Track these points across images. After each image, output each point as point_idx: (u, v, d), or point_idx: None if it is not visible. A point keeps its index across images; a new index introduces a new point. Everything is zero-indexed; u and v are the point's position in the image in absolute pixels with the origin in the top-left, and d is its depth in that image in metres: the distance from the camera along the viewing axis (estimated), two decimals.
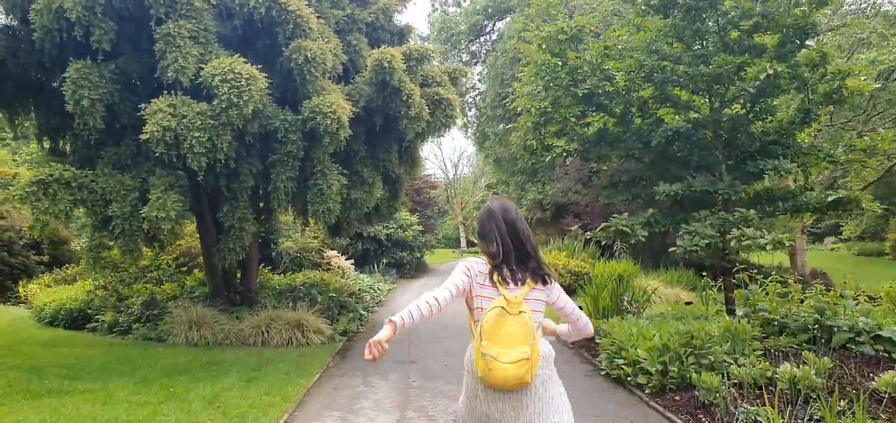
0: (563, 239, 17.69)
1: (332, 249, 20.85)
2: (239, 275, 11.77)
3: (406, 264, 25.63)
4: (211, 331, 9.73)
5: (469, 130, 36.82)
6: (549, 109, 8.76)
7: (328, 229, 12.81)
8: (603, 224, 7.96)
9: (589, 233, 17.19)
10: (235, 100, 7.95)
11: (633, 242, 8.03)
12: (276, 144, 9.00)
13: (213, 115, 8.06)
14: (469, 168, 66.10)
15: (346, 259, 20.83)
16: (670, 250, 18.11)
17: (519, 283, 2.45)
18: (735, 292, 9.08)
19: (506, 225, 2.51)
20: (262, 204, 11.14)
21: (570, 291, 14.04)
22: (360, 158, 10.24)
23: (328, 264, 19.38)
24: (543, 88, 8.54)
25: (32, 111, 9.50)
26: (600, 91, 8.00)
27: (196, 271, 13.35)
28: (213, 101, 8.04)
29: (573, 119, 9.05)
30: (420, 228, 27.64)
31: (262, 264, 14.79)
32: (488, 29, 31.05)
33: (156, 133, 7.68)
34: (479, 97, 33.49)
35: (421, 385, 6.99)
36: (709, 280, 16.31)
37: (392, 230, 24.87)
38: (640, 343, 6.81)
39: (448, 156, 73.26)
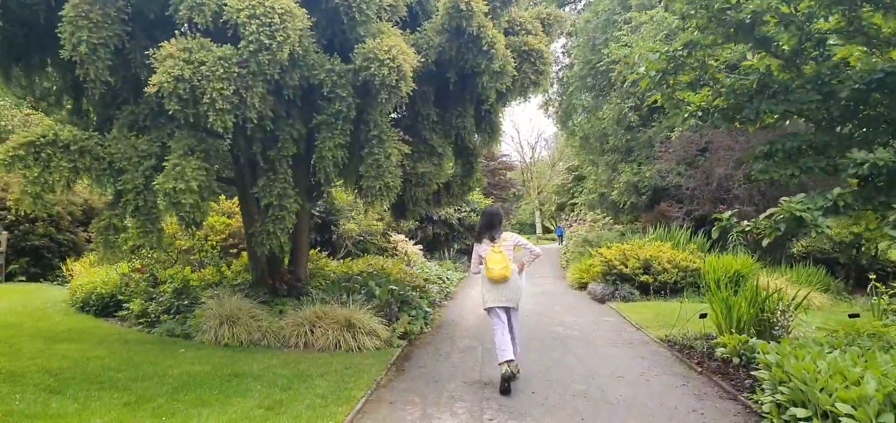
0: (663, 227, 15.05)
1: (398, 233, 19.22)
2: (287, 261, 10.19)
3: None
4: (246, 329, 8.13)
5: (550, 108, 34.14)
6: (680, 53, 6.36)
7: (391, 209, 10.99)
8: (769, 212, 5.53)
9: (684, 221, 14.47)
10: (267, 41, 6.19)
11: (814, 234, 5.57)
12: (322, 102, 7.19)
13: (240, 61, 6.33)
14: (547, 151, 63.26)
15: (414, 244, 19.16)
16: (765, 243, 15.04)
17: (495, 240, 6.03)
18: None
19: (487, 217, 6.24)
20: (313, 179, 9.44)
21: (677, 291, 11.51)
22: (429, 122, 8.27)
23: (394, 249, 17.74)
24: (680, 19, 6.15)
25: (50, 65, 8.19)
26: (769, 17, 5.54)
27: (245, 253, 11.93)
28: (240, 44, 6.31)
29: (714, 63, 6.59)
30: None
31: (319, 249, 13.25)
32: None
33: (166, 85, 6.04)
34: (561, 72, 30.78)
35: None
36: (841, 282, 13.29)
37: (465, 214, 22.96)
38: (839, 388, 4.43)
39: (526, 138, 70.56)
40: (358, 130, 7.40)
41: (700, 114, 6.75)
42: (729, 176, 13.34)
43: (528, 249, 6.16)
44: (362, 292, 9.52)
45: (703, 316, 7.67)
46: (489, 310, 6.05)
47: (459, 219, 22.73)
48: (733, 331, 6.99)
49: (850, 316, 7.03)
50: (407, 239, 18.75)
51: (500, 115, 9.33)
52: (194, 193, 6.59)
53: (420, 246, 18.91)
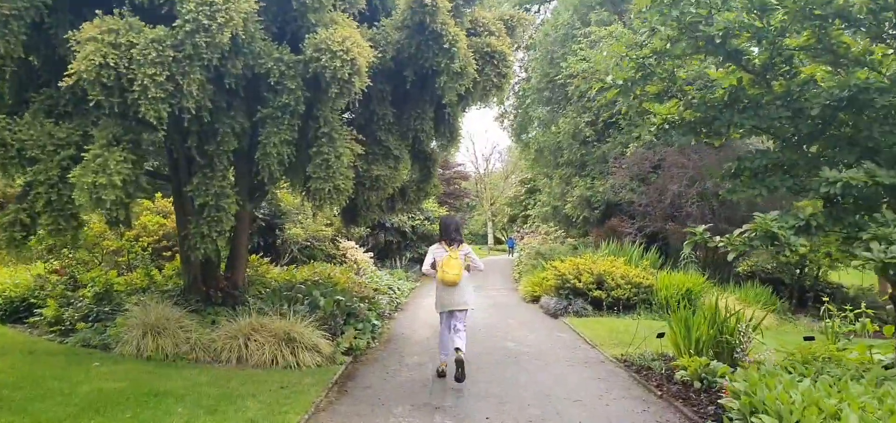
0: (616, 242, 15.02)
1: (348, 239, 18.54)
2: (224, 266, 9.44)
3: None
4: (173, 340, 7.38)
5: (505, 120, 34.18)
6: (649, 61, 6.12)
7: (342, 214, 10.41)
8: (743, 228, 5.30)
9: (633, 236, 14.49)
10: (207, 22, 5.60)
11: (783, 255, 5.40)
12: (268, 94, 6.58)
13: (176, 44, 5.69)
14: (501, 163, 63.55)
15: (365, 252, 18.51)
16: (730, 258, 15.28)
17: (453, 245, 6.49)
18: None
19: (447, 224, 6.75)
20: (256, 178, 8.76)
21: (630, 307, 11.38)
22: (385, 123, 7.77)
23: (343, 256, 17.06)
24: (649, 30, 5.91)
25: None
26: (739, 32, 5.34)
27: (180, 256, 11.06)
28: (175, 23, 5.67)
29: (683, 75, 6.38)
30: None
31: (262, 254, 12.49)
32: (534, 10, 28.35)
33: (87, 72, 5.35)
34: (518, 85, 30.85)
35: None
36: (785, 301, 13.55)
37: (418, 222, 22.47)
38: (816, 421, 4.19)
39: (480, 150, 70.84)
40: (307, 126, 6.83)
41: (666, 126, 6.52)
42: (682, 194, 13.41)
43: (475, 262, 6.69)
44: (306, 302, 8.88)
45: (660, 336, 7.45)
46: (441, 313, 6.68)
47: (413, 227, 22.23)
48: (692, 352, 6.79)
49: (806, 339, 6.94)
50: (357, 246, 18.09)
51: (460, 119, 8.93)
52: (117, 188, 5.88)
53: (370, 254, 18.27)
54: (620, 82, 6.40)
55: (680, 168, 13.92)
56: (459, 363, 6.18)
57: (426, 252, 6.74)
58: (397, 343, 8.95)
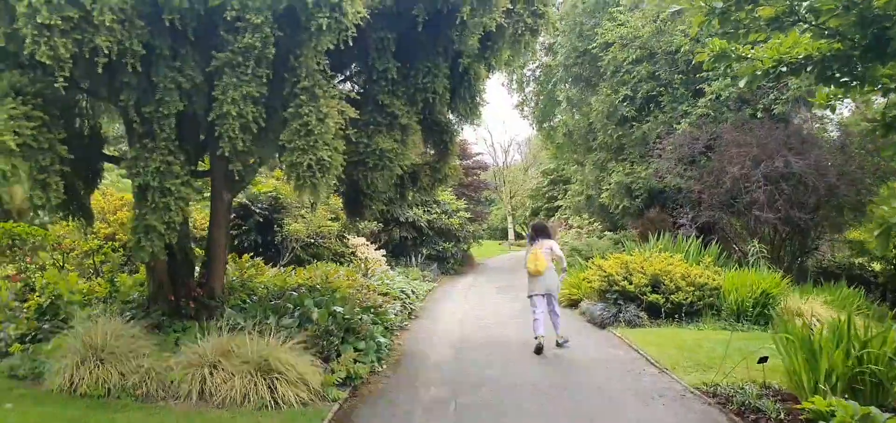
0: (668, 235, 13.01)
1: (359, 235, 16.77)
2: (199, 269, 7.72)
3: (450, 257, 21.32)
4: (120, 369, 5.62)
5: (526, 107, 32.12)
6: None
7: (345, 203, 8.61)
8: None
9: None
10: None
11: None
12: (227, 35, 4.77)
13: None
14: (520, 155, 61.40)
15: (376, 249, 16.73)
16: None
17: (536, 243, 7.77)
18: None
19: (534, 226, 8.40)
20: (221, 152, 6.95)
21: (693, 314, 9.42)
22: (388, 82, 5.91)
23: (352, 254, 15.27)
24: None
25: None
26: None
27: None
28: None
29: None
30: (468, 215, 23.27)
31: (254, 255, 10.75)
32: None
33: None
34: (538, 70, 28.78)
35: None
36: (882, 303, 11.46)
37: (435, 216, 20.63)
38: None
39: (498, 141, 68.90)
40: (280, 79, 5.00)
41: (783, 68, 4.56)
42: (745, 176, 11.36)
43: (556, 253, 7.85)
44: (296, 313, 7.11)
45: (763, 360, 5.50)
46: (531, 297, 7.79)
47: (429, 221, 20.39)
48: (824, 388, 4.82)
49: None
50: (368, 243, 16.32)
51: (482, 82, 7.00)
52: (13, 155, 4.12)
53: (382, 252, 16.48)
54: (718, 4, 4.43)
55: (740, 147, 11.85)
56: (558, 343, 7.89)
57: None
58: (410, 366, 7.11)
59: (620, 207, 15.62)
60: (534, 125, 32.15)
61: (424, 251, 20.47)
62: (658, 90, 15.14)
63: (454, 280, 19.36)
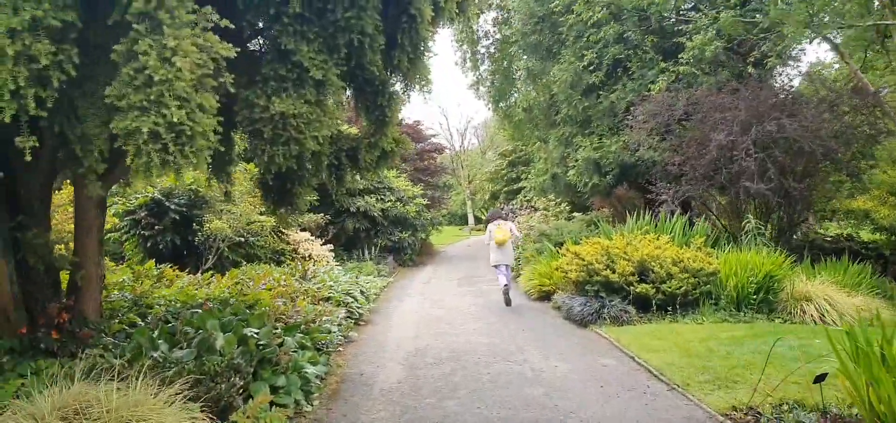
0: (638, 212, 11.70)
1: (304, 229, 14.93)
2: (65, 285, 5.86)
3: (407, 247, 19.67)
4: None
5: (481, 87, 30.56)
6: None
7: (263, 192, 6.84)
8: None
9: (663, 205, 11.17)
10: None
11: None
12: None
13: None
14: (476, 138, 60.11)
15: (324, 243, 14.94)
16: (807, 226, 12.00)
17: (498, 221, 10.27)
18: None
19: (492, 214, 11.03)
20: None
21: (689, 304, 8.09)
22: (291, 17, 4.17)
23: (295, 251, 13.45)
24: None
25: None
26: None
27: None
28: None
29: None
30: (425, 202, 21.63)
31: (171, 260, 8.86)
32: None
33: None
34: (493, 46, 27.23)
35: None
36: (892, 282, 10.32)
37: (389, 204, 18.93)
38: None
39: (454, 125, 67.54)
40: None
41: None
42: (732, 144, 10.10)
43: (514, 232, 10.35)
44: (195, 339, 5.35)
45: (820, 378, 4.09)
46: (495, 266, 10.07)
47: (383, 210, 18.68)
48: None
49: None
50: (313, 237, 14.50)
51: (427, 26, 5.29)
52: None
53: (330, 246, 14.71)
54: None
55: (725, 111, 10.58)
56: (505, 291, 9.79)
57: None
58: (350, 399, 5.46)
59: (589, 184, 14.26)
60: (490, 105, 30.67)
61: (379, 242, 18.79)
62: (627, 54, 13.78)
63: (412, 273, 17.74)
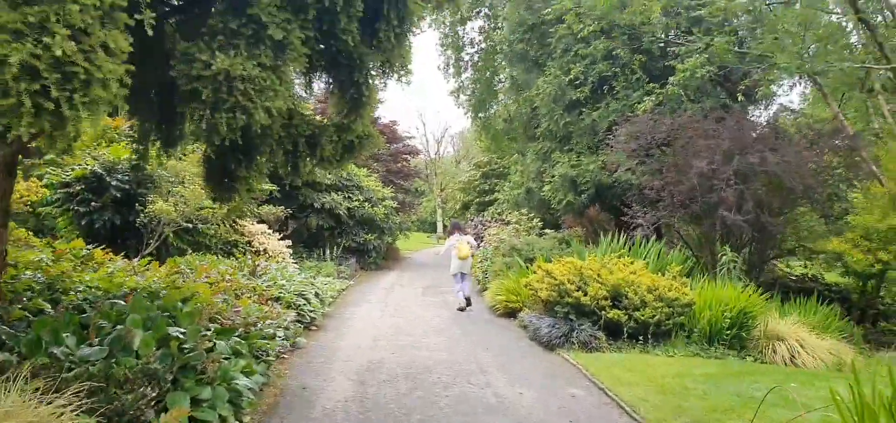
0: (612, 234, 11.31)
1: (262, 221, 14.10)
2: None
3: (371, 250, 18.94)
4: None
5: (462, 94, 30.09)
6: None
7: (206, 176, 6.10)
8: None
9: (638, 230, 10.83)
10: None
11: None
12: None
13: None
14: (452, 146, 59.73)
15: (282, 238, 14.13)
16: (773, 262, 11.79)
17: (454, 236, 10.89)
18: None
19: (454, 224, 11.77)
20: None
21: (662, 334, 7.62)
22: None
23: (249, 244, 12.64)
24: None
25: None
26: None
27: None
28: None
29: None
30: (395, 205, 20.96)
31: (105, 244, 8.03)
32: None
33: None
34: (476, 55, 26.84)
35: None
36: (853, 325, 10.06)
37: (356, 203, 18.19)
38: None
39: (432, 131, 67.12)
40: None
41: None
42: (713, 172, 9.78)
43: (472, 243, 10.93)
44: (106, 340, 4.60)
45: None
46: (455, 275, 10.63)
47: (349, 209, 17.95)
48: None
49: None
50: (270, 231, 13.69)
51: (419, 4, 4.71)
52: None
53: (288, 242, 13.92)
54: None
55: (708, 139, 10.27)
56: (468, 300, 10.53)
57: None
58: (287, 418, 4.80)
59: (564, 202, 13.83)
60: (469, 114, 30.24)
61: (343, 243, 18.03)
62: (614, 72, 13.44)
63: (374, 278, 17.05)
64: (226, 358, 4.80)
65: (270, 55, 3.64)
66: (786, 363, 7.05)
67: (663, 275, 8.62)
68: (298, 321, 7.78)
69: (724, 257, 9.12)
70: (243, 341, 5.30)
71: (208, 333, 5.08)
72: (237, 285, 7.66)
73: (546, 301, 8.36)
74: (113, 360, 4.33)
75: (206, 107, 3.40)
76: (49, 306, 5.42)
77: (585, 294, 7.88)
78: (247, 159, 5.24)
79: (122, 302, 5.40)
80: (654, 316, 7.53)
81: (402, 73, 5.34)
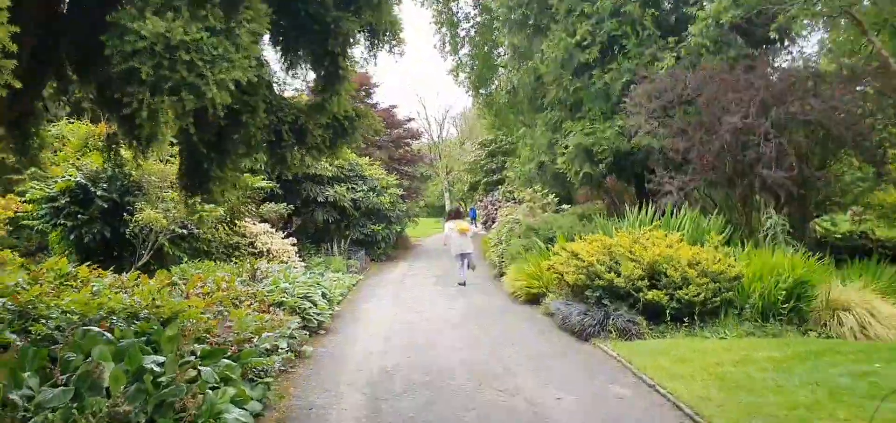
0: (642, 205, 10.49)
1: (264, 220, 13.41)
2: None
3: (380, 241, 18.22)
4: None
5: (461, 72, 29.09)
6: None
7: (180, 173, 5.34)
8: None
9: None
10: None
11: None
12: None
13: None
14: (455, 128, 58.66)
15: (287, 236, 13.45)
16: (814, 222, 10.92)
17: (457, 218, 12.53)
18: None
19: (454, 212, 13.48)
20: None
21: (709, 313, 6.77)
22: None
23: (252, 245, 11.94)
24: None
25: None
26: None
27: None
28: None
29: None
30: (400, 192, 20.20)
31: (97, 258, 7.33)
32: None
33: None
34: (473, 30, 25.81)
35: None
36: None
37: (361, 194, 17.44)
38: None
39: (433, 114, 66.04)
40: None
41: None
42: (748, 127, 8.90)
43: (472, 226, 12.84)
44: (77, 373, 3.90)
45: None
46: (456, 256, 11.77)
47: (354, 200, 17.21)
48: None
49: None
50: (274, 230, 13.00)
51: None
52: None
53: (293, 240, 13.23)
54: None
55: (739, 92, 9.36)
56: (463, 284, 11.52)
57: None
58: None
59: (581, 174, 12.97)
60: (470, 92, 29.28)
61: (350, 235, 17.32)
62: (623, 30, 12.51)
63: (385, 269, 16.34)
64: (212, 388, 4.07)
65: (219, 16, 2.85)
66: (855, 337, 6.23)
67: (702, 246, 7.80)
68: (304, 328, 7.06)
69: (769, 220, 8.26)
70: (235, 364, 4.57)
71: (193, 358, 4.36)
72: (235, 293, 6.94)
73: (574, 285, 7.58)
74: (75, 405, 3.65)
75: (146, 88, 2.62)
76: (16, 338, 4.72)
77: (619, 275, 7.08)
78: (219, 155, 4.47)
79: (96, 329, 4.69)
80: (698, 294, 6.72)
81: (393, 42, 4.54)
